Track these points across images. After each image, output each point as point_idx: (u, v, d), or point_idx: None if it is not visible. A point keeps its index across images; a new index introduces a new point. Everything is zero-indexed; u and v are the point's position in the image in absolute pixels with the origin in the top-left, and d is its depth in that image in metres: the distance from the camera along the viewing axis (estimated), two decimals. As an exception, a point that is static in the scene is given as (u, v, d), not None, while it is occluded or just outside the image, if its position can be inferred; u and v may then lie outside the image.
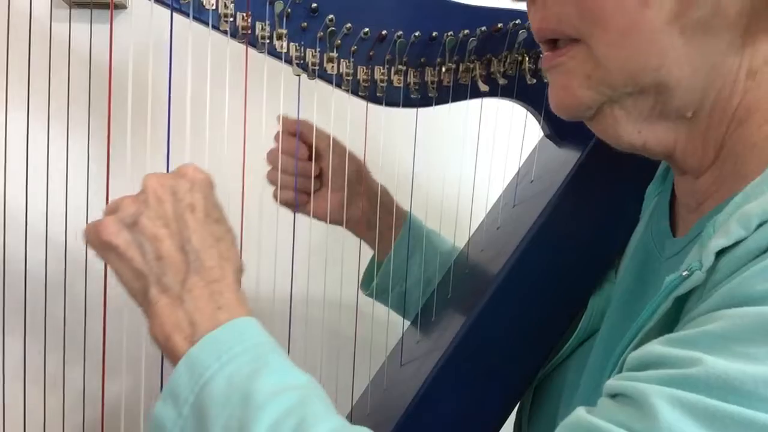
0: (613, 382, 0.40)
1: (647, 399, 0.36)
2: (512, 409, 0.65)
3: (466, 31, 0.65)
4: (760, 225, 0.39)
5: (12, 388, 0.81)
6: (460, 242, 0.79)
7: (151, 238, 0.50)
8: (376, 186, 0.79)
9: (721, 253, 0.40)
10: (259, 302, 0.74)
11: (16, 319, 0.80)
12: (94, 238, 0.51)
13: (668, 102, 0.46)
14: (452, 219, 0.80)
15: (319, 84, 0.65)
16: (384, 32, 0.64)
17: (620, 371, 0.42)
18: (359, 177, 0.78)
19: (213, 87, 0.62)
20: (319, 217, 0.78)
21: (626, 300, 0.55)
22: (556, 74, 0.49)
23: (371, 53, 0.65)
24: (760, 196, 0.40)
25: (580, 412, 0.40)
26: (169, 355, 0.49)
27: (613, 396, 0.39)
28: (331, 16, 0.62)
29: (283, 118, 0.75)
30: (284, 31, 0.62)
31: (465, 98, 0.69)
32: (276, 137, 0.76)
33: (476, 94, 0.68)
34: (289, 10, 0.61)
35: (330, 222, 0.78)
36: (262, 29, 0.61)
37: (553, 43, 0.49)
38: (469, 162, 0.79)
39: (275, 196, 0.77)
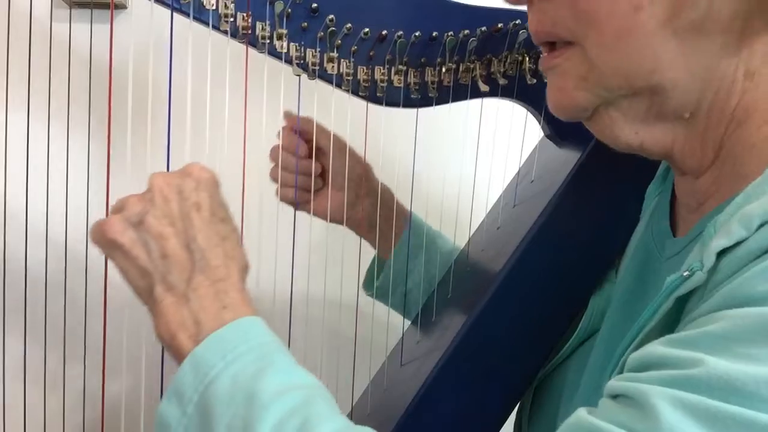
0: (614, 383, 0.40)
1: (648, 400, 0.36)
2: (512, 409, 0.65)
3: (467, 31, 0.65)
4: (761, 225, 0.39)
5: (12, 388, 0.81)
6: (461, 242, 0.79)
7: (156, 236, 0.50)
8: (382, 190, 0.78)
9: (722, 254, 0.40)
10: (259, 302, 0.74)
11: (16, 319, 0.80)
12: (100, 236, 0.51)
13: (664, 103, 0.46)
14: (452, 219, 0.80)
15: (320, 84, 0.65)
16: (384, 32, 0.64)
17: (621, 372, 0.42)
18: (363, 178, 0.78)
19: (213, 87, 0.62)
20: (320, 215, 0.78)
21: (627, 300, 0.55)
22: (552, 75, 0.50)
23: (371, 53, 0.65)
24: (761, 196, 0.40)
25: (581, 413, 0.40)
26: (174, 353, 0.49)
27: (615, 397, 0.39)
28: (331, 16, 0.62)
29: (286, 114, 0.75)
30: (284, 31, 0.62)
31: (465, 98, 0.69)
32: (279, 134, 0.76)
33: (476, 94, 0.68)
34: (290, 10, 0.61)
35: (330, 221, 0.78)
36: (263, 29, 0.61)
37: (552, 45, 0.49)
38: (470, 162, 0.79)
39: (278, 193, 0.77)
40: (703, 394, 0.35)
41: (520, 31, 0.66)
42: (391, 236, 0.79)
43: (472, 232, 0.79)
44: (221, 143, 0.64)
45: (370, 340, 0.78)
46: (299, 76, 0.64)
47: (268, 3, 0.61)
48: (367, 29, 0.63)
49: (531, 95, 0.69)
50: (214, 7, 0.59)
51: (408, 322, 0.79)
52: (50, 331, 0.81)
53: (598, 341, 0.57)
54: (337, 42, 0.63)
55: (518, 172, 0.78)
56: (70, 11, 0.73)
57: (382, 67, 0.66)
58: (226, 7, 0.60)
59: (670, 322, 0.43)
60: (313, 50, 0.63)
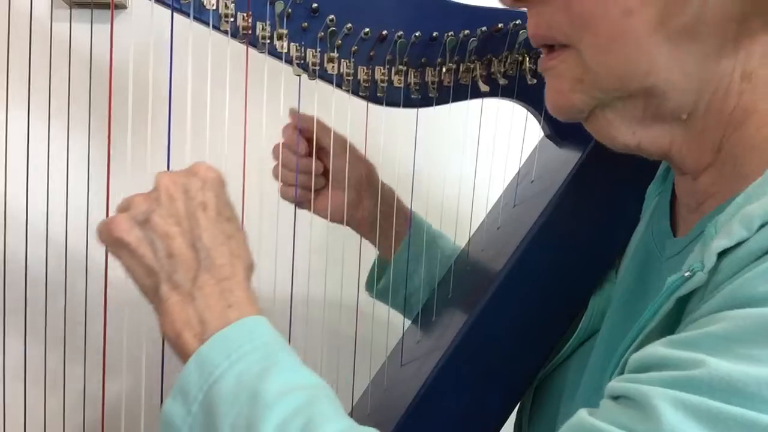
0: (615, 384, 0.40)
1: (650, 401, 0.36)
2: (513, 409, 0.65)
3: (467, 32, 0.65)
4: (762, 226, 0.39)
5: (12, 388, 0.81)
6: (461, 242, 0.79)
7: (162, 235, 0.50)
8: (384, 189, 0.78)
9: (723, 254, 0.40)
10: (260, 302, 0.74)
11: (17, 319, 0.80)
12: (107, 235, 0.51)
13: (660, 105, 0.47)
14: (453, 219, 0.80)
15: (320, 84, 0.65)
16: (384, 32, 0.64)
17: (622, 372, 0.42)
18: (366, 179, 0.78)
19: (213, 87, 0.62)
20: (321, 214, 0.78)
21: (627, 300, 0.55)
22: (550, 77, 0.50)
23: (372, 53, 0.65)
24: (761, 196, 0.40)
25: (582, 414, 0.40)
26: (179, 352, 0.49)
27: (615, 398, 0.39)
28: (331, 17, 0.62)
29: (291, 111, 0.75)
30: (285, 32, 0.62)
31: (465, 98, 0.69)
32: (283, 131, 0.76)
33: (477, 94, 0.68)
34: (290, 10, 0.61)
35: (331, 220, 0.78)
36: (263, 29, 0.61)
37: (551, 47, 0.50)
38: (470, 162, 0.79)
39: (280, 192, 0.77)
40: (704, 395, 0.35)
41: (521, 32, 0.66)
42: (393, 237, 0.79)
43: (472, 232, 0.79)
44: (221, 143, 0.64)
45: (370, 340, 0.78)
46: (299, 76, 0.64)
47: (268, 3, 0.61)
48: (367, 29, 0.63)
49: (531, 95, 0.69)
50: (214, 7, 0.59)
51: (408, 322, 0.79)
52: (50, 331, 0.81)
53: (598, 341, 0.57)
54: (338, 42, 0.63)
55: (518, 172, 0.78)
56: (71, 11, 0.73)
57: (382, 67, 0.65)
58: (226, 7, 0.60)
59: (671, 323, 0.43)
60: (314, 50, 0.63)
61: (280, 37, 0.62)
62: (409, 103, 0.67)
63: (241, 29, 0.61)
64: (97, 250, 0.60)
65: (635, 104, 0.47)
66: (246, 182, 0.63)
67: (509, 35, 0.66)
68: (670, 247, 0.52)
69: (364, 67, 0.65)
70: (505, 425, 0.65)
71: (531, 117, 0.73)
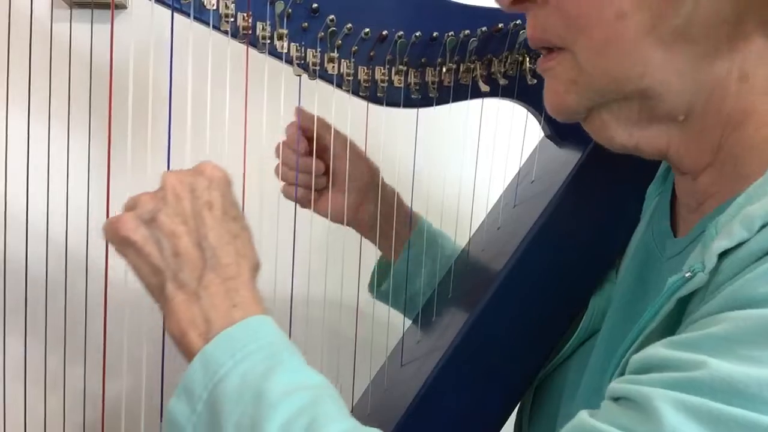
0: (616, 386, 0.40)
1: (651, 402, 0.36)
2: (513, 409, 0.65)
3: (467, 32, 0.65)
4: (762, 227, 0.39)
5: (12, 388, 0.81)
6: (461, 242, 0.79)
7: (168, 234, 0.50)
8: (387, 191, 0.78)
9: (723, 255, 0.40)
10: (261, 302, 0.74)
11: (17, 319, 0.80)
12: (113, 233, 0.51)
13: (656, 107, 0.47)
14: (453, 219, 0.80)
15: (320, 84, 0.65)
16: (385, 32, 0.64)
17: (622, 373, 0.42)
18: (369, 183, 0.78)
19: (213, 87, 0.62)
20: (322, 214, 0.78)
21: (627, 300, 0.55)
22: (547, 78, 0.51)
23: (372, 53, 0.65)
24: (762, 197, 0.40)
25: (583, 416, 0.40)
26: (184, 351, 0.49)
27: (616, 399, 0.39)
28: (331, 17, 0.62)
29: (297, 110, 0.74)
30: (285, 32, 0.62)
31: (466, 98, 0.69)
32: (286, 129, 0.76)
33: (477, 94, 0.68)
34: (290, 10, 0.61)
35: (333, 221, 0.78)
36: (263, 29, 0.61)
37: (549, 48, 0.50)
38: (470, 162, 0.79)
39: (283, 191, 0.77)
40: (705, 397, 0.35)
41: (521, 32, 0.66)
42: (398, 241, 0.79)
43: (472, 232, 0.79)
44: (222, 143, 0.64)
45: (370, 340, 0.78)
46: (300, 76, 0.64)
47: (268, 3, 0.61)
48: (367, 29, 0.63)
49: (531, 95, 0.69)
50: (214, 7, 0.59)
51: (408, 322, 0.79)
52: (50, 331, 0.81)
53: (598, 341, 0.57)
54: (338, 42, 0.63)
55: (518, 172, 0.78)
56: (71, 11, 0.73)
57: (382, 68, 0.65)
58: (226, 7, 0.60)
59: (671, 324, 0.43)
60: (314, 50, 0.63)
61: (280, 37, 0.62)
62: (409, 103, 0.67)
63: (241, 29, 0.61)
64: (98, 250, 0.60)
65: (631, 106, 0.48)
66: (246, 182, 0.63)
67: (509, 35, 0.66)
68: (671, 247, 0.52)
69: (365, 67, 0.65)
70: (505, 425, 0.65)
71: (531, 117, 0.73)
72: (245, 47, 0.61)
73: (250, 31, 0.61)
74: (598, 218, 0.66)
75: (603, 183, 0.66)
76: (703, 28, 0.43)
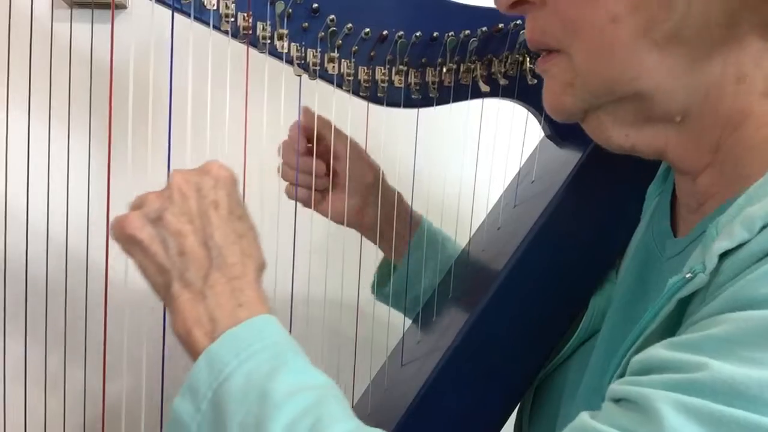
0: (617, 387, 0.40)
1: (652, 404, 0.36)
2: (513, 409, 0.65)
3: (467, 32, 0.65)
4: (763, 227, 0.39)
5: (13, 388, 0.81)
6: (461, 242, 0.79)
7: (174, 233, 0.51)
8: (390, 194, 0.78)
9: (724, 256, 0.40)
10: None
11: (17, 319, 0.80)
12: (119, 232, 0.52)
13: (652, 108, 0.47)
14: (453, 219, 0.80)
15: (320, 84, 0.65)
16: (385, 32, 0.64)
17: (623, 374, 0.42)
18: (372, 185, 0.77)
19: (214, 87, 0.62)
20: (323, 214, 0.78)
21: (627, 300, 0.55)
22: (545, 78, 0.51)
23: (372, 53, 0.65)
24: (763, 198, 0.40)
25: (584, 417, 0.40)
26: (190, 349, 0.49)
27: (617, 401, 0.39)
28: (332, 17, 0.62)
29: (305, 110, 0.74)
30: (285, 32, 0.62)
31: (466, 99, 0.69)
32: (290, 128, 0.76)
33: (477, 94, 0.68)
34: (290, 10, 0.61)
35: (336, 222, 0.78)
36: (263, 29, 0.61)
37: (549, 50, 0.51)
38: (470, 162, 0.79)
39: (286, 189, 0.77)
40: (706, 398, 0.35)
41: (521, 32, 0.66)
42: (399, 242, 0.79)
43: (472, 233, 0.79)
44: (222, 143, 0.64)
45: (370, 339, 0.78)
46: (300, 76, 0.64)
47: (268, 3, 0.61)
48: (367, 29, 0.63)
49: (531, 96, 0.69)
50: (214, 7, 0.59)
51: (409, 322, 0.79)
52: (51, 331, 0.81)
53: (598, 341, 0.57)
54: (338, 42, 0.63)
55: (519, 172, 0.78)
56: (71, 11, 0.73)
57: (382, 68, 0.65)
58: (226, 7, 0.60)
59: (672, 325, 0.43)
60: (314, 50, 0.63)
61: (280, 37, 0.62)
62: (409, 104, 0.67)
63: (241, 29, 0.61)
64: (98, 250, 0.60)
65: (626, 107, 0.48)
66: (246, 182, 0.63)
67: (510, 35, 0.66)
68: (671, 248, 0.52)
69: (365, 67, 0.65)
70: (505, 425, 0.65)
71: (531, 117, 0.73)
72: (245, 47, 0.61)
73: (250, 31, 0.61)
74: (599, 218, 0.66)
75: (603, 183, 0.66)
76: (696, 31, 0.44)
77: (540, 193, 0.69)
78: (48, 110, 0.75)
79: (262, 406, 0.44)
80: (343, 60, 0.64)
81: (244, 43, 0.61)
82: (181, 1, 0.58)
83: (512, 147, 0.76)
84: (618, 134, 0.50)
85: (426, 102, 0.68)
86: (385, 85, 0.66)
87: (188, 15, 0.59)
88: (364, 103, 0.67)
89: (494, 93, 0.68)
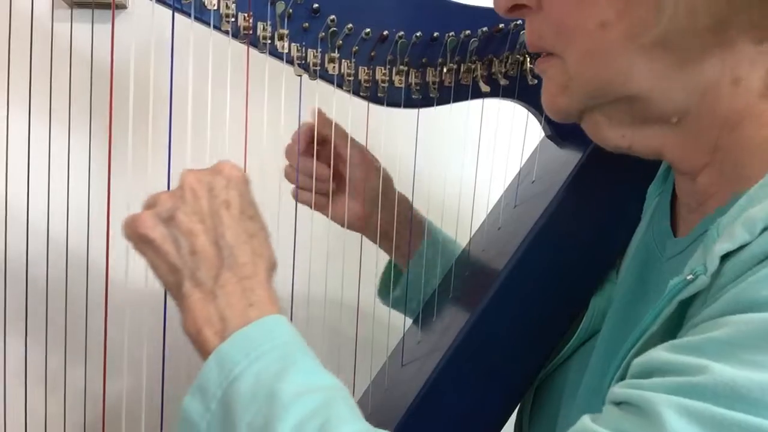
0: (618, 390, 0.40)
1: (653, 407, 0.36)
2: (513, 409, 0.65)
3: (468, 32, 0.65)
4: (764, 229, 0.39)
5: (13, 388, 0.81)
6: (462, 242, 0.79)
7: (186, 233, 0.51)
8: (396, 199, 0.78)
9: (725, 257, 0.40)
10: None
11: (17, 319, 0.80)
12: (131, 231, 0.52)
13: (646, 109, 0.48)
14: (453, 219, 0.80)
15: (321, 84, 0.65)
16: (385, 33, 0.64)
17: (623, 375, 0.42)
18: (378, 191, 0.77)
19: (214, 87, 0.62)
20: (333, 219, 0.78)
21: (628, 300, 0.55)
22: (544, 79, 0.52)
23: (372, 54, 0.65)
24: (764, 199, 0.40)
25: (585, 420, 0.40)
26: (200, 349, 0.49)
27: (618, 404, 0.39)
28: (332, 17, 0.62)
29: (318, 110, 0.73)
30: (286, 32, 0.62)
31: (466, 99, 0.69)
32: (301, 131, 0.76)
33: (477, 94, 0.68)
34: (291, 10, 0.61)
35: (332, 219, 0.78)
36: (264, 29, 0.61)
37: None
38: (470, 162, 0.79)
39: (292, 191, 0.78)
40: (708, 402, 0.35)
41: (521, 32, 0.66)
42: (406, 247, 0.79)
43: (472, 233, 0.79)
44: (222, 143, 0.64)
45: (371, 339, 0.78)
46: (300, 76, 0.64)
47: (269, 3, 0.61)
48: (368, 29, 0.63)
49: (532, 96, 0.69)
50: (215, 7, 0.59)
51: (409, 322, 0.79)
52: (51, 331, 0.81)
53: (599, 342, 0.57)
54: (339, 42, 0.63)
55: (519, 172, 0.78)
56: (71, 11, 0.73)
57: (383, 68, 0.65)
58: (227, 7, 0.60)
59: (673, 326, 0.43)
60: (315, 50, 0.63)
61: (281, 38, 0.62)
62: (409, 104, 0.67)
63: (242, 29, 0.61)
64: (98, 250, 0.60)
65: (621, 108, 0.49)
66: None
67: (510, 36, 0.66)
68: (671, 247, 0.52)
69: (365, 68, 0.65)
70: (506, 425, 0.65)
71: (532, 117, 0.73)
72: (246, 47, 0.61)
73: (250, 31, 0.61)
74: (599, 218, 0.66)
75: (603, 183, 0.66)
76: (684, 35, 0.44)
77: (540, 193, 0.69)
78: (48, 110, 0.75)
79: (271, 407, 0.44)
80: (343, 60, 0.64)
81: (244, 43, 0.61)
82: (181, 1, 0.58)
83: (512, 147, 0.76)
84: (614, 134, 0.50)
85: (426, 102, 0.68)
86: (386, 85, 0.66)
87: (189, 15, 0.59)
88: (364, 103, 0.67)
89: (495, 93, 0.68)
